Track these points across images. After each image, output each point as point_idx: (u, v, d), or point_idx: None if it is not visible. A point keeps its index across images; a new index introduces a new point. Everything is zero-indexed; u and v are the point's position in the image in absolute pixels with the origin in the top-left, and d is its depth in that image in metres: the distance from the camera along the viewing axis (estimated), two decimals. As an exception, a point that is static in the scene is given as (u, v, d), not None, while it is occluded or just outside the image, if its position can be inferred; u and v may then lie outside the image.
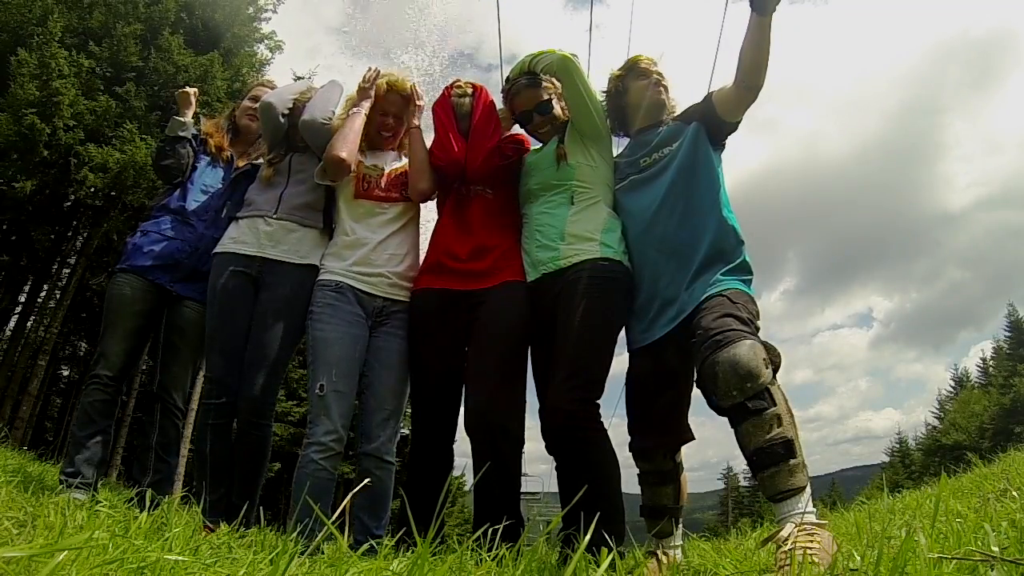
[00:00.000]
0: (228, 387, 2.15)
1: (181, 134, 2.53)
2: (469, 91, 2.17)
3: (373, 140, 2.33)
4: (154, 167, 2.60)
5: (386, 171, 2.25)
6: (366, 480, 1.83)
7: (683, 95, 2.05)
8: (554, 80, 2.11)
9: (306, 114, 2.26)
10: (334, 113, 2.29)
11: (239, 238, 2.28)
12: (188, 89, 2.64)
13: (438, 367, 2.00)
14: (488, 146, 2.10)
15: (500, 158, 2.12)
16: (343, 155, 2.14)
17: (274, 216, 2.28)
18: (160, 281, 2.38)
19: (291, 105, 2.36)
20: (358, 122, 2.22)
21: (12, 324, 13.85)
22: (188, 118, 2.56)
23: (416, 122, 2.27)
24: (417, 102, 2.30)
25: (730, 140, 1.94)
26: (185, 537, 1.16)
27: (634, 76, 2.04)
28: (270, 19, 15.45)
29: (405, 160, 2.31)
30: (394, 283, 2.12)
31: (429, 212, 2.32)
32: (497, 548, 1.09)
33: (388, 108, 2.31)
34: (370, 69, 2.33)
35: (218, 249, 2.30)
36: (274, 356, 2.15)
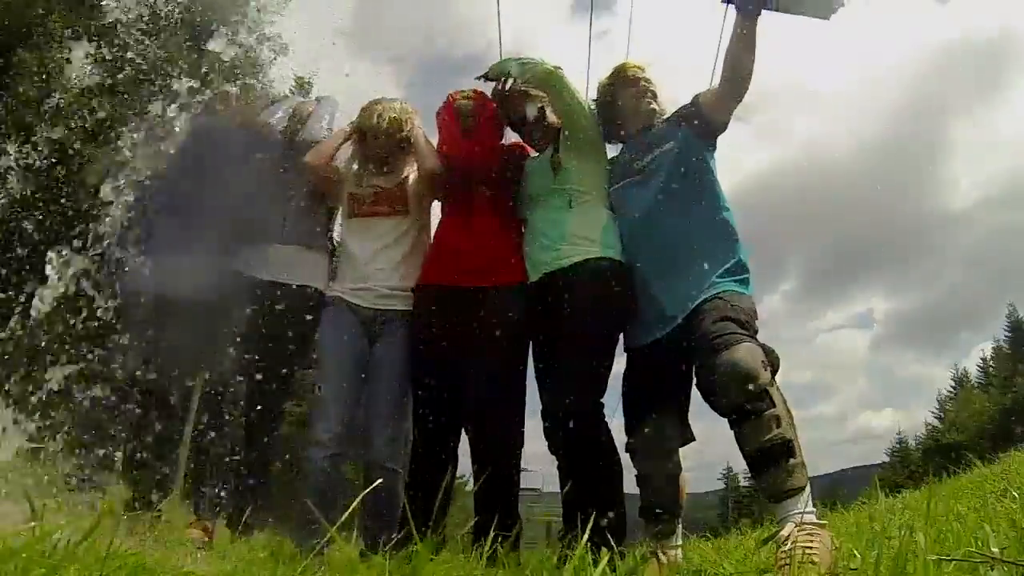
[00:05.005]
0: None
1: None
2: (472, 95, 2.19)
3: (373, 164, 2.27)
4: None
5: (384, 188, 2.22)
6: (376, 483, 1.83)
7: (686, 97, 2.05)
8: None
9: (308, 157, 2.23)
10: (331, 131, 2.31)
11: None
12: (228, 88, 2.63)
13: (438, 364, 2.00)
14: (492, 143, 2.17)
15: (503, 153, 2.18)
16: (307, 159, 2.19)
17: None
18: None
19: (285, 123, 2.38)
20: (339, 131, 2.25)
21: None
22: None
23: (417, 122, 2.23)
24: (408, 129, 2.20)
25: (733, 142, 1.96)
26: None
27: (622, 84, 2.05)
28: (274, 22, 15.33)
29: (407, 171, 2.28)
30: (383, 295, 2.12)
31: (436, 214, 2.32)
32: (496, 548, 1.09)
33: (377, 148, 2.22)
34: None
35: None
36: None
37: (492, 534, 1.11)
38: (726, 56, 1.77)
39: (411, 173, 2.25)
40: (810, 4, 1.65)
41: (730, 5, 1.70)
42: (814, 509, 1.35)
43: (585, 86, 2.55)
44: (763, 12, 1.67)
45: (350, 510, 1.05)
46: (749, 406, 1.39)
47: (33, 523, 0.86)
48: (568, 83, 2.00)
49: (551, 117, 2.12)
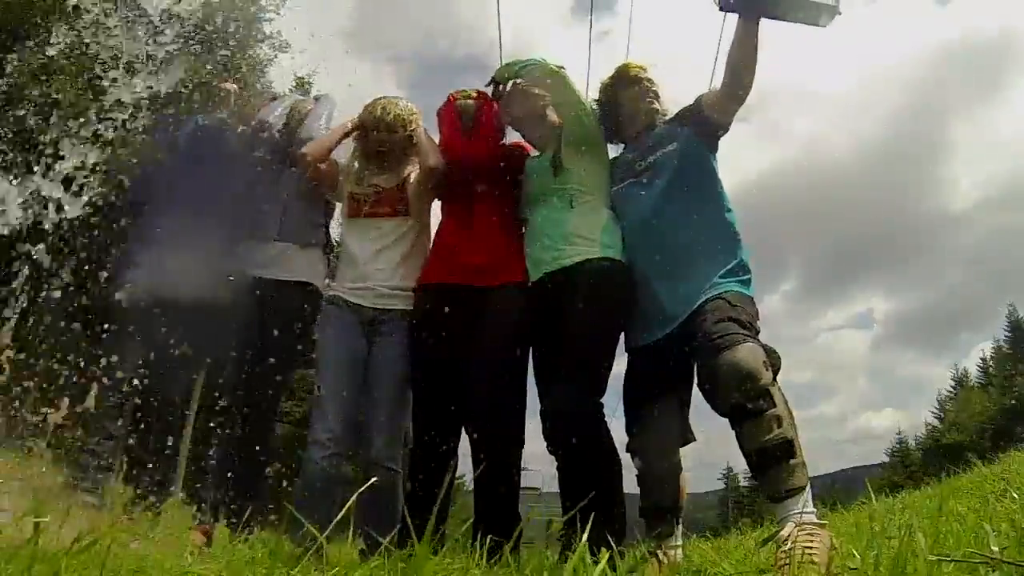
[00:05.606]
0: None
1: None
2: (473, 94, 2.20)
3: (374, 162, 2.28)
4: None
5: (384, 188, 2.22)
6: (371, 481, 1.83)
7: (686, 98, 2.05)
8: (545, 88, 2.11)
9: (306, 149, 2.23)
10: (328, 130, 2.31)
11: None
12: (228, 85, 2.62)
13: (439, 364, 2.00)
14: (492, 143, 2.18)
15: (504, 153, 2.18)
16: (305, 151, 2.19)
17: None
18: None
19: (283, 121, 2.38)
20: (340, 127, 2.26)
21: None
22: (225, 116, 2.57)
23: (420, 125, 2.24)
24: (411, 129, 2.20)
25: (733, 142, 1.96)
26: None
27: (624, 84, 2.05)
28: (272, 20, 15.30)
29: (407, 171, 2.27)
30: (383, 294, 2.12)
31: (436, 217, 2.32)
32: (496, 548, 1.09)
33: (379, 143, 2.22)
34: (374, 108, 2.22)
35: None
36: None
37: (492, 534, 1.11)
38: (728, 60, 1.77)
39: (412, 173, 2.25)
40: (808, 11, 1.65)
41: (731, 11, 1.70)
42: (814, 509, 1.35)
43: (585, 86, 2.55)
44: (762, 18, 1.67)
45: (345, 508, 1.05)
46: (750, 406, 1.39)
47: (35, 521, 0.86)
48: (570, 82, 2.00)
49: (552, 117, 2.12)
